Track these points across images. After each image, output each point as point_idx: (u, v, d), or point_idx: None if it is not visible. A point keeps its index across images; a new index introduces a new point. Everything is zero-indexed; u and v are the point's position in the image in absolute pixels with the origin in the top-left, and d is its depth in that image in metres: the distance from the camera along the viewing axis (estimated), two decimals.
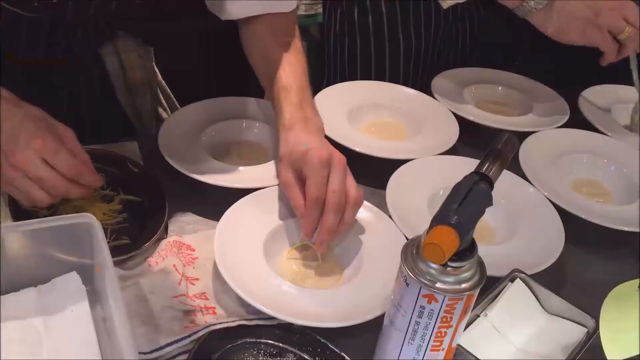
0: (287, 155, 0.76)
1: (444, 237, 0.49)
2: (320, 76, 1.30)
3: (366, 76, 1.22)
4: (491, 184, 0.53)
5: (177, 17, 1.14)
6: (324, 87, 1.06)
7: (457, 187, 0.52)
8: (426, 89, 1.10)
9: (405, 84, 1.13)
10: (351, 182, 0.74)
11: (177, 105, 1.11)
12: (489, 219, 0.85)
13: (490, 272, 0.71)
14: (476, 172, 0.53)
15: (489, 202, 0.52)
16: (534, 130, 1.01)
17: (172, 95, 1.11)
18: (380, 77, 1.21)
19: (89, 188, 0.72)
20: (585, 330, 0.68)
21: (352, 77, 1.24)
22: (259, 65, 0.89)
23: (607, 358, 0.54)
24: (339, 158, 0.74)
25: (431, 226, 0.50)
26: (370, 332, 0.64)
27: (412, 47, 1.20)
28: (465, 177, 0.53)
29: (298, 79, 0.83)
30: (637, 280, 0.54)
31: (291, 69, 0.84)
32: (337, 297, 0.70)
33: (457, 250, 0.51)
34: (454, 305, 0.53)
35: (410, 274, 0.53)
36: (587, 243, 0.85)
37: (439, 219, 0.50)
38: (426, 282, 0.52)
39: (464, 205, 0.50)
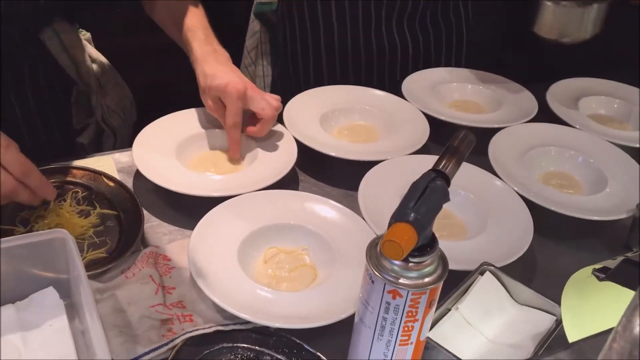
0: (207, 88, 0.90)
1: (402, 234, 0.50)
2: (277, 61, 1.32)
3: (318, 60, 1.24)
4: (447, 181, 0.55)
5: (143, 31, 1.17)
6: (279, 69, 1.08)
7: (414, 185, 0.54)
8: (395, 89, 1.12)
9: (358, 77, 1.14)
10: (264, 101, 0.91)
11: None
12: (460, 214, 0.87)
13: (462, 266, 0.74)
14: (433, 169, 0.55)
15: (445, 198, 0.53)
16: (504, 126, 1.03)
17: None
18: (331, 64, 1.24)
19: (38, 196, 0.73)
20: (554, 318, 0.70)
21: (305, 62, 1.26)
22: (166, 18, 0.99)
23: (569, 340, 0.56)
24: (252, 86, 0.91)
25: (390, 224, 0.52)
26: (344, 331, 0.65)
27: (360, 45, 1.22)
28: (423, 175, 0.54)
29: (202, 21, 0.96)
30: (591, 266, 0.56)
31: (194, 15, 0.96)
32: (312, 298, 0.71)
33: (417, 245, 0.52)
34: (418, 300, 0.54)
35: (374, 271, 0.55)
36: (557, 234, 0.87)
37: (396, 217, 0.51)
38: (390, 278, 0.54)
39: (421, 202, 0.52)
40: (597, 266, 0.54)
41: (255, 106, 0.90)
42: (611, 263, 0.53)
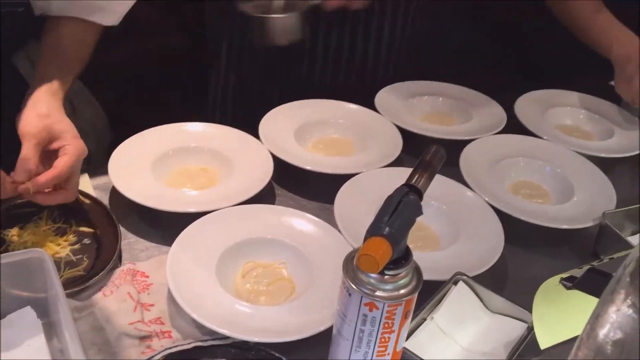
0: (48, 120, 0.77)
1: (377, 247, 0.52)
2: None
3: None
4: (420, 195, 0.56)
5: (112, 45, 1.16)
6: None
7: (388, 200, 0.55)
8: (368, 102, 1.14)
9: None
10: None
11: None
12: (433, 226, 0.89)
13: (436, 276, 0.76)
14: (406, 184, 0.57)
15: (418, 212, 0.55)
16: (474, 137, 1.06)
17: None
18: None
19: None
20: (526, 325, 0.72)
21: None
22: (49, 50, 0.89)
23: (541, 347, 0.58)
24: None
25: (365, 238, 0.53)
26: (322, 343, 0.67)
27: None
28: (396, 190, 0.56)
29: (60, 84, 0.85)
30: (559, 275, 0.58)
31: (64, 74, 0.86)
32: (290, 311, 0.72)
33: (392, 259, 0.54)
34: (394, 311, 0.56)
35: (351, 284, 0.56)
36: (527, 243, 0.90)
37: (372, 231, 0.53)
38: (366, 291, 0.55)
39: (395, 217, 0.53)
40: (565, 275, 0.56)
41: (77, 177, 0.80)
42: (578, 272, 0.55)
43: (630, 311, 0.33)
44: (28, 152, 0.75)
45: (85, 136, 1.04)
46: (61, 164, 0.75)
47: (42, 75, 0.84)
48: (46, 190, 0.76)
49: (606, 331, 0.34)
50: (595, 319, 0.35)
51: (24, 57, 1.00)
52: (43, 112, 0.79)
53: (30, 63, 1.01)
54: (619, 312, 0.33)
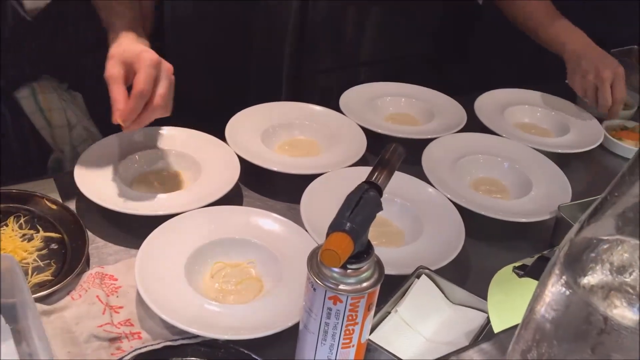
0: (119, 53, 0.83)
1: (339, 242, 0.54)
2: None
3: None
4: (380, 191, 0.59)
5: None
6: None
7: (349, 196, 0.57)
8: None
9: None
10: (168, 90, 0.84)
11: None
12: (397, 222, 0.92)
13: (400, 271, 0.78)
14: (366, 181, 0.59)
15: (378, 207, 0.57)
16: (435, 136, 1.09)
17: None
18: None
19: None
20: (486, 315, 0.75)
21: None
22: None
23: (494, 331, 0.60)
24: (168, 66, 0.85)
25: (328, 234, 0.55)
26: (290, 339, 0.68)
27: None
28: (357, 187, 0.58)
29: (131, 12, 0.92)
30: (512, 264, 0.61)
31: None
32: (258, 309, 0.74)
33: (353, 253, 0.56)
34: (357, 304, 0.58)
35: (315, 279, 0.58)
36: (487, 236, 0.93)
37: (334, 227, 0.55)
38: (330, 285, 0.57)
39: (356, 212, 0.55)
40: (517, 264, 0.59)
41: (161, 85, 0.83)
42: (529, 261, 0.58)
43: (564, 289, 0.35)
44: (114, 94, 0.80)
45: (59, 135, 1.02)
46: (136, 82, 0.80)
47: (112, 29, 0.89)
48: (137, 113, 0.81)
49: (544, 310, 0.36)
50: (535, 299, 0.37)
51: (28, 94, 0.99)
52: (109, 54, 0.84)
53: (34, 99, 1.00)
54: (554, 291, 0.36)
